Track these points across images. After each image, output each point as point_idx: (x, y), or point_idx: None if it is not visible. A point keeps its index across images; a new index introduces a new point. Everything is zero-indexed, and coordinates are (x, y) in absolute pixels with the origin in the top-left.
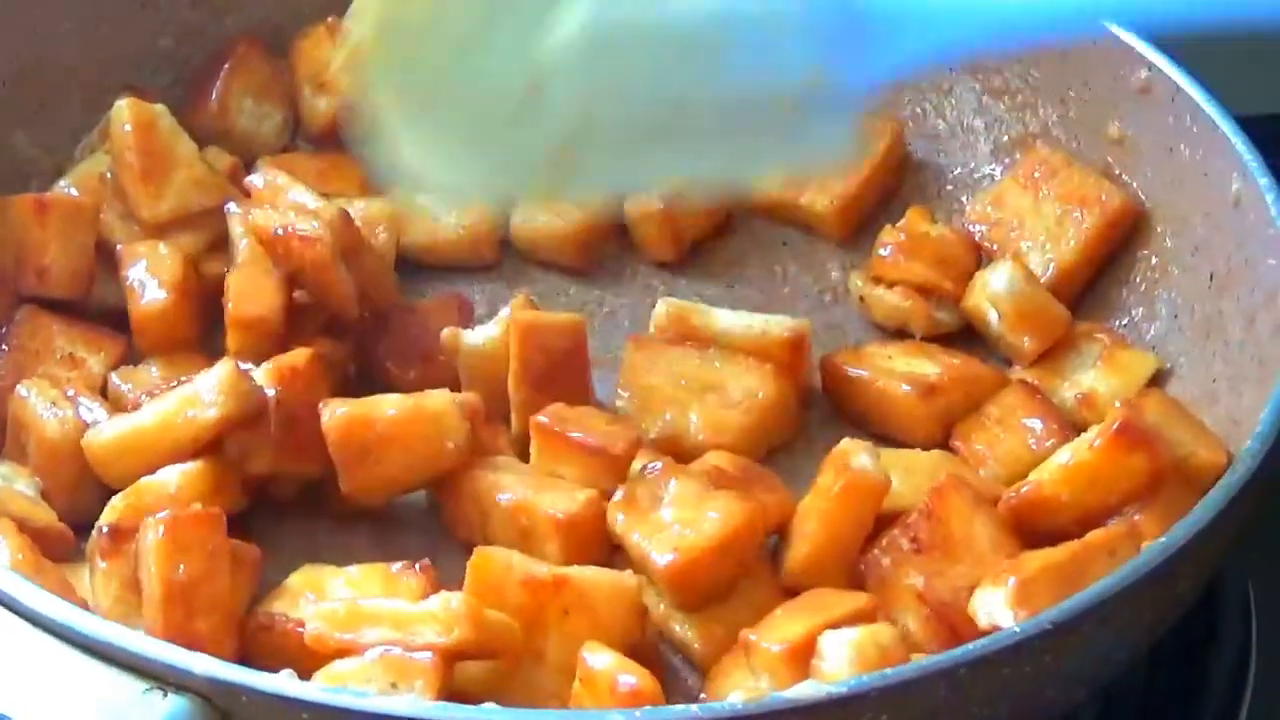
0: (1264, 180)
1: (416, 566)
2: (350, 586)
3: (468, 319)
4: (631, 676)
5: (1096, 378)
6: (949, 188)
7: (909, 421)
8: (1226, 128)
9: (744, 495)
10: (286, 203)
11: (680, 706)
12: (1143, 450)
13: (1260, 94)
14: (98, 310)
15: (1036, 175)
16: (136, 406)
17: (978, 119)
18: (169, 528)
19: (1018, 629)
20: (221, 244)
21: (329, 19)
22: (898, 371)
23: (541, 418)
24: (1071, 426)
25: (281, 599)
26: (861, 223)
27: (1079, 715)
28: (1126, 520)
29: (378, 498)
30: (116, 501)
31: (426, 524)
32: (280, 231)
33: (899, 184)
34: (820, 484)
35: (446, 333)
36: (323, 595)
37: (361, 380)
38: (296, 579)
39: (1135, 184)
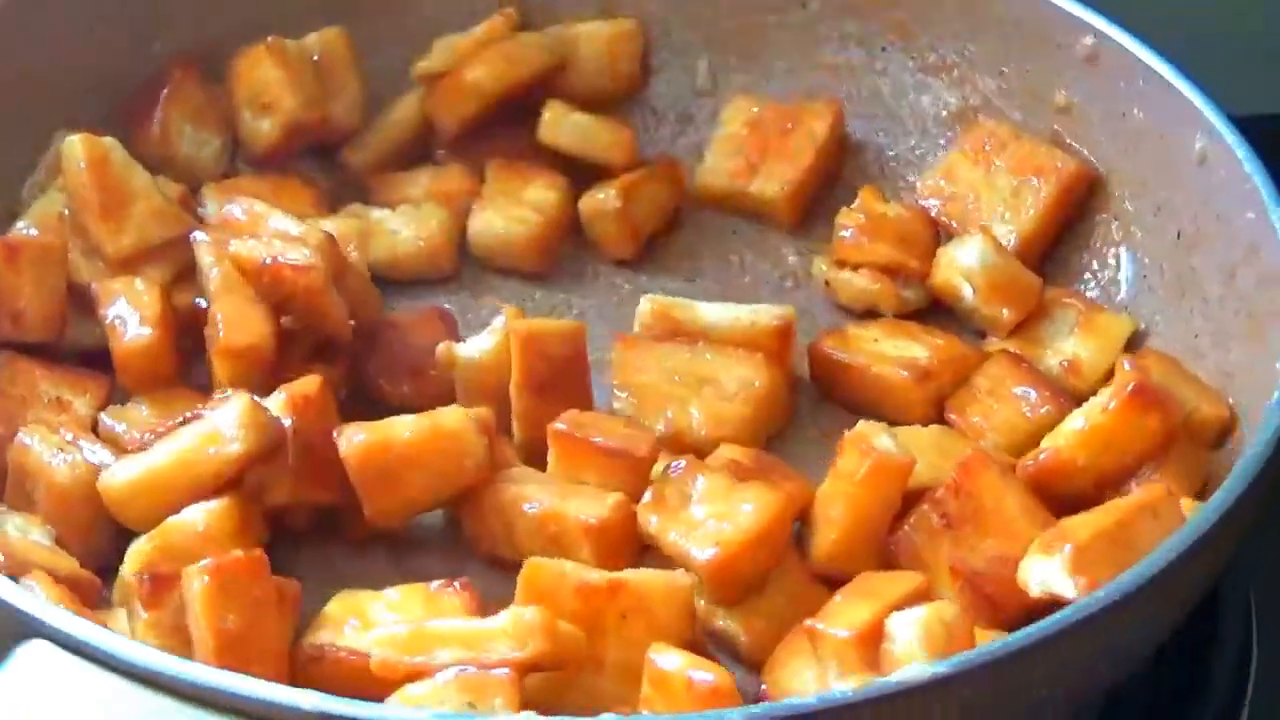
0: (1231, 137)
1: (456, 584)
2: (392, 610)
3: (453, 331)
4: (707, 674)
5: (1077, 343)
6: (891, 165)
7: (904, 404)
8: (1184, 87)
9: (772, 485)
10: (269, 230)
11: (797, 700)
12: (1156, 410)
13: (1260, 94)
14: (70, 351)
15: (986, 148)
16: (138, 447)
17: (916, 96)
18: (214, 576)
19: (1102, 594)
20: (186, 274)
21: (268, 39)
22: (889, 355)
23: (560, 425)
24: (1063, 392)
25: (325, 628)
26: (809, 206)
27: (1081, 715)
28: (1158, 481)
29: (399, 520)
30: (142, 545)
31: (443, 542)
32: (269, 261)
33: (841, 166)
34: (842, 468)
35: (441, 348)
36: (366, 621)
37: (354, 401)
38: (335, 607)
39: (1087, 150)
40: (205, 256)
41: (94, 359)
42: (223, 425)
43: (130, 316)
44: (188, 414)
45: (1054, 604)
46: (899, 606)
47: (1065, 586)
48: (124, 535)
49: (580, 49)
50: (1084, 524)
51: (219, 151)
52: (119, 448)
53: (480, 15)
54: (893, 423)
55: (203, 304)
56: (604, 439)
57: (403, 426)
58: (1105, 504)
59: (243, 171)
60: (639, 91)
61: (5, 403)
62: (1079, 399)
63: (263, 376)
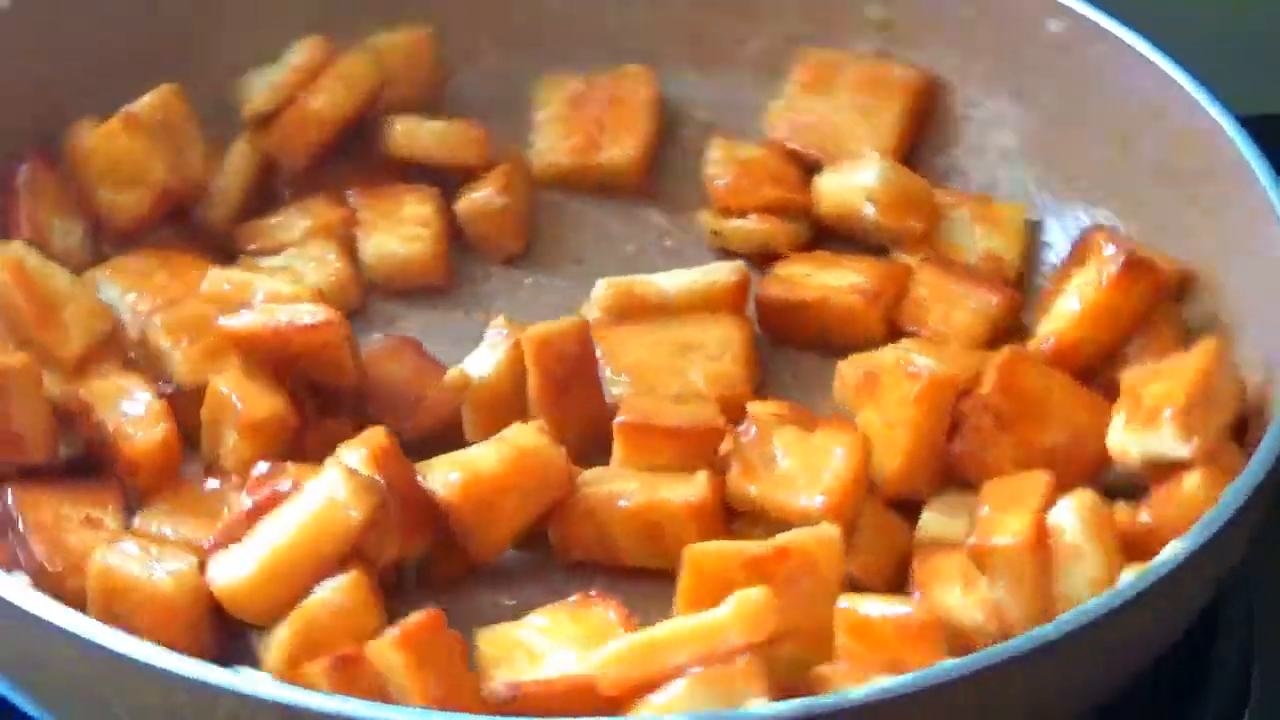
0: (1099, 17)
1: (593, 593)
2: (548, 635)
3: (424, 354)
4: (904, 606)
5: (984, 237)
6: (723, 115)
7: (863, 328)
8: None
9: (840, 426)
10: (258, 294)
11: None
12: (1148, 277)
13: (1261, 94)
14: (61, 467)
15: (821, 76)
16: (222, 541)
17: (729, 46)
18: (408, 646)
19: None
20: (131, 364)
21: (122, 110)
22: (832, 285)
23: (624, 416)
24: (1002, 283)
25: (496, 668)
26: (650, 167)
27: (1082, 716)
28: (1212, 337)
29: (499, 551)
30: (281, 635)
31: (516, 561)
32: (282, 326)
33: (665, 124)
34: (892, 396)
35: (453, 373)
36: (531, 653)
37: None
38: (487, 647)
39: (923, 58)
40: (163, 341)
41: (78, 468)
42: (336, 496)
43: (136, 417)
44: (257, 498)
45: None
46: (1047, 506)
47: (1179, 450)
48: (230, 632)
49: (384, 62)
50: (1168, 389)
51: (83, 237)
52: (191, 549)
53: (280, 46)
54: (851, 349)
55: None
56: (676, 421)
57: (484, 456)
58: (1166, 365)
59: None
60: (441, 94)
61: (43, 535)
62: (1014, 287)
63: (283, 446)
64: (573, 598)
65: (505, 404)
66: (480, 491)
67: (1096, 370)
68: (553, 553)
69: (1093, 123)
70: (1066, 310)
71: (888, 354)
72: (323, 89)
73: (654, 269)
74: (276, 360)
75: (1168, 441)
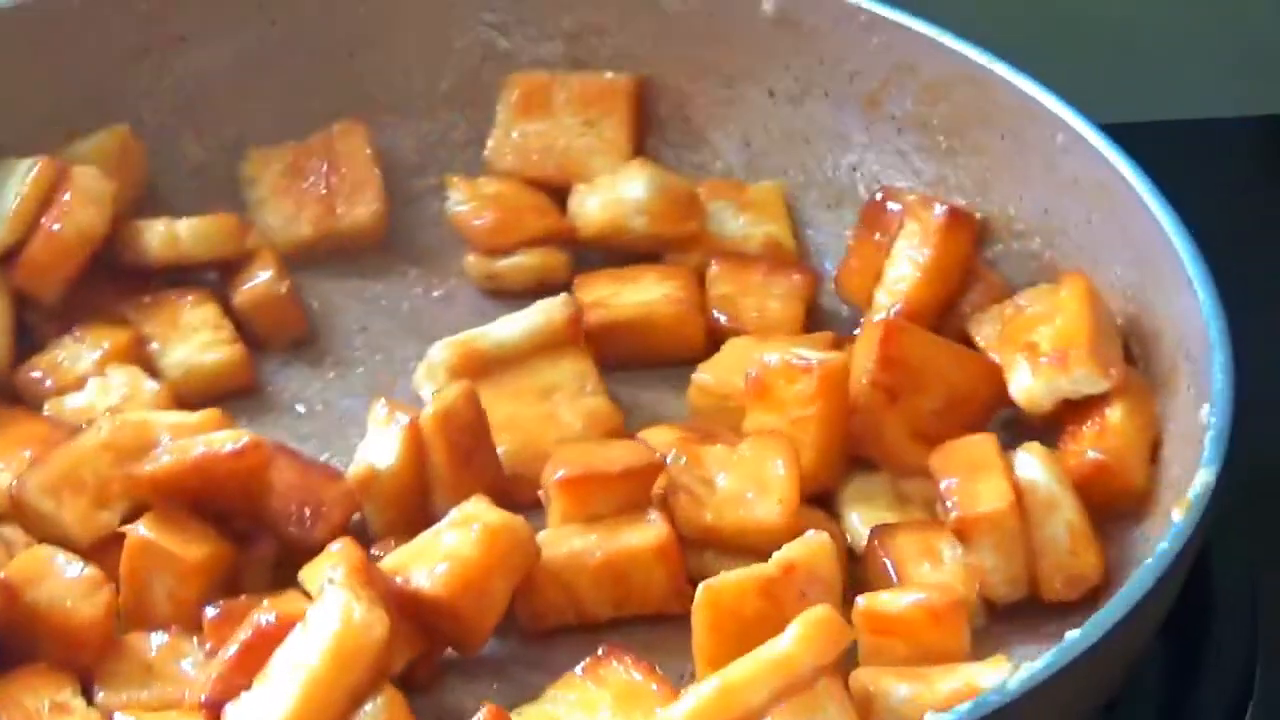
0: None
1: (599, 651)
2: (582, 708)
3: (287, 451)
4: (918, 593)
5: (754, 222)
6: (435, 154)
7: (687, 336)
8: None
9: (761, 435)
10: (153, 430)
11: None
12: (968, 224)
13: (1261, 94)
14: None
15: (533, 98)
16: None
17: (414, 80)
18: None
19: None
20: None
21: None
22: (648, 299)
23: (561, 472)
24: (791, 264)
25: None
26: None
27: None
28: (1073, 273)
29: (486, 639)
30: None
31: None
32: (206, 458)
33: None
34: (786, 395)
35: (359, 468)
36: None
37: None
38: None
39: (623, 63)
40: (44, 504)
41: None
42: (351, 618)
43: (69, 587)
44: (244, 639)
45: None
46: (1005, 466)
47: (1099, 384)
48: None
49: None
50: (1063, 330)
51: None
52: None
53: None
54: (674, 360)
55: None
56: (614, 465)
57: (458, 542)
58: (1039, 308)
59: None
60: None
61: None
62: (798, 263)
63: (224, 583)
64: (580, 665)
65: (410, 489)
66: (471, 579)
67: (938, 328)
68: (517, 626)
69: (822, 95)
70: (901, 274)
71: (762, 356)
72: (72, 211)
73: (444, 322)
74: (196, 495)
75: (1085, 379)
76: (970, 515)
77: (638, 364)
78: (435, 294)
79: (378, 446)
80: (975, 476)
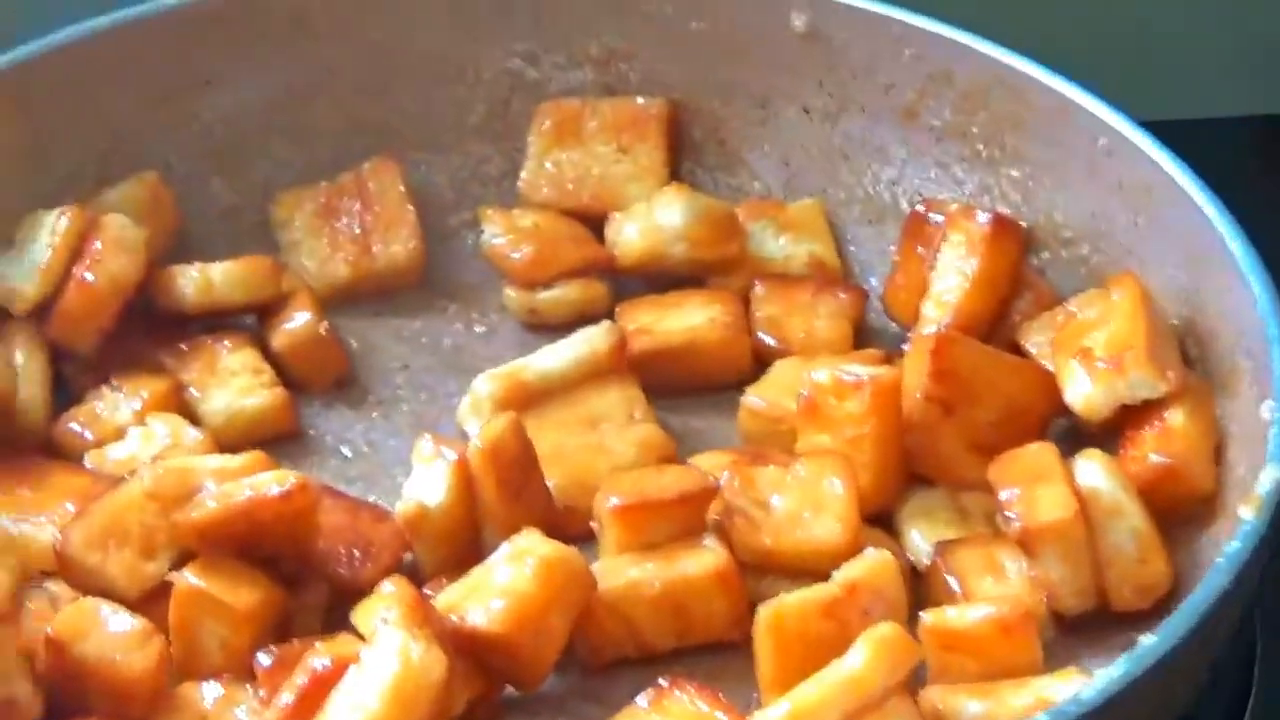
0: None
1: (662, 682)
2: None
3: (335, 493)
4: (988, 607)
5: (796, 241)
6: (469, 189)
7: (733, 359)
8: None
9: (815, 454)
10: (197, 476)
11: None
12: (1014, 232)
13: (1261, 94)
14: None
15: (565, 127)
16: None
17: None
18: None
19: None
20: None
21: None
22: (692, 324)
23: (615, 499)
24: (837, 281)
25: None
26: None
27: None
28: (1125, 276)
29: (546, 675)
30: None
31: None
32: (253, 503)
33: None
34: (839, 414)
35: (407, 507)
36: None
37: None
38: None
39: (653, 88)
40: (89, 557)
41: None
42: (409, 659)
43: (119, 640)
44: (300, 688)
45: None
46: (1066, 475)
47: (1158, 388)
48: None
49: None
50: (1116, 335)
51: None
52: None
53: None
54: (720, 384)
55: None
56: (668, 491)
57: (514, 577)
58: (1091, 314)
59: None
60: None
61: None
62: (844, 281)
63: (275, 629)
64: (644, 696)
65: (460, 525)
66: (528, 614)
67: (988, 338)
68: (576, 660)
69: (860, 108)
70: (949, 286)
71: (811, 375)
72: (104, 260)
73: (486, 357)
74: (243, 541)
75: (1143, 383)
76: (1034, 526)
77: (685, 390)
78: (476, 329)
79: (425, 483)
80: (1036, 486)
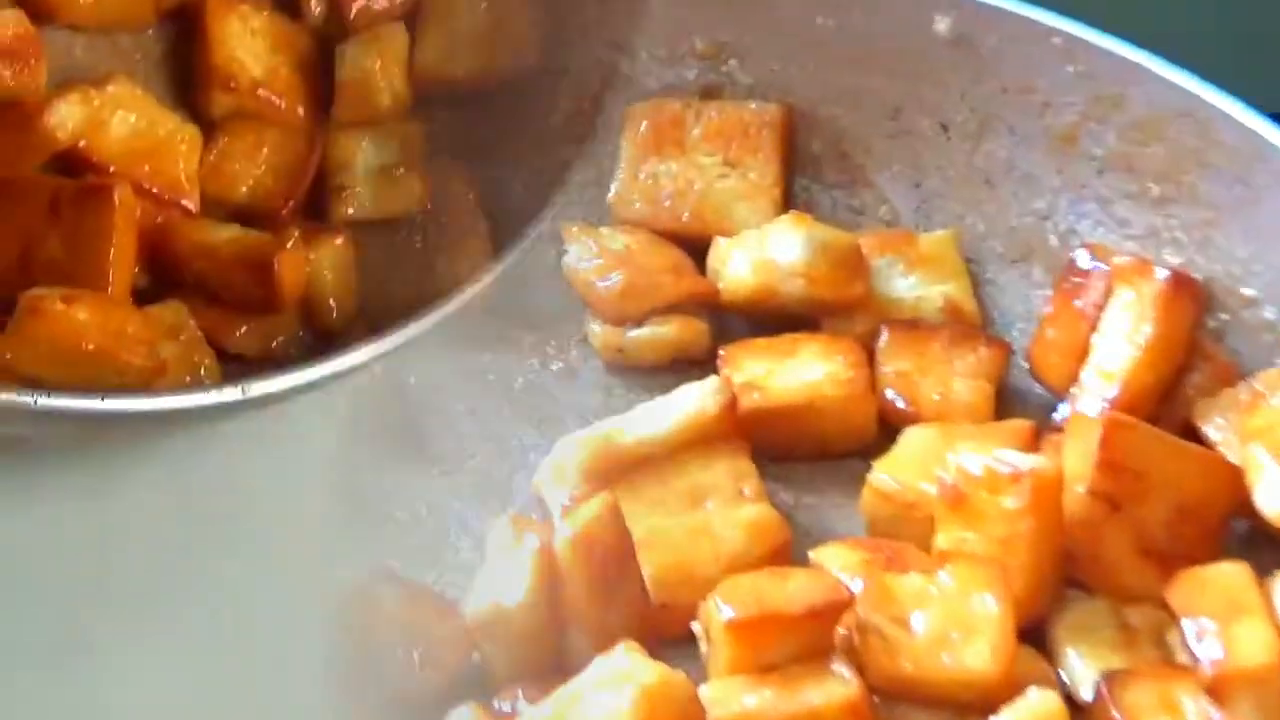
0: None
1: None
2: None
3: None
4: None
5: (927, 282)
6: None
7: (857, 422)
8: None
9: (964, 559)
10: None
11: None
12: (1194, 293)
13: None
14: None
15: (663, 133)
16: None
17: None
18: None
19: None
20: None
21: None
22: (810, 381)
23: (730, 611)
24: (974, 332)
25: None
26: None
27: None
28: None
29: None
30: None
31: None
32: None
33: None
34: (994, 511)
35: (480, 607)
36: None
37: None
38: None
39: (773, 93)
40: None
41: None
42: None
43: None
44: None
45: None
46: (1267, 606)
47: None
48: None
49: None
50: None
51: None
52: None
53: None
54: (841, 446)
55: None
56: (794, 604)
57: (612, 713)
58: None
59: None
60: None
61: None
62: (984, 334)
63: None
64: None
65: (543, 628)
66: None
67: (1156, 417)
68: None
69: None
70: (1114, 352)
71: (957, 459)
72: None
73: (566, 404)
74: None
75: None
76: (1229, 670)
77: (798, 456)
78: (554, 366)
79: (503, 577)
80: (1231, 619)
